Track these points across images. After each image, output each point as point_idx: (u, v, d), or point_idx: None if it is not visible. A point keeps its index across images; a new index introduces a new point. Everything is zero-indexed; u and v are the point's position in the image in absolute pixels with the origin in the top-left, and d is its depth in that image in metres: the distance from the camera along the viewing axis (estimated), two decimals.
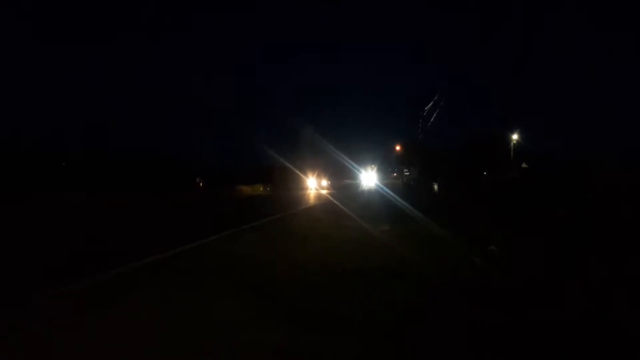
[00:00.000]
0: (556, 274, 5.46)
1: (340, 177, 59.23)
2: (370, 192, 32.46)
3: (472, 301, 4.29)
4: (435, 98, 18.36)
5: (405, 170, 42.21)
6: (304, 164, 37.78)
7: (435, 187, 23.48)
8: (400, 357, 2.95)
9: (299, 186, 34.42)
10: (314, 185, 33.72)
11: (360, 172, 55.02)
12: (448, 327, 3.55)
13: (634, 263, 5.82)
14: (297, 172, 35.61)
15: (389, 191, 28.71)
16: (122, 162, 31.38)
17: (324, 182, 35.15)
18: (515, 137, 30.56)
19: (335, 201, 20.40)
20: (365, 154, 62.27)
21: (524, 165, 31.67)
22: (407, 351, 3.03)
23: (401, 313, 3.84)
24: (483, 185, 24.15)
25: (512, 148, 30.62)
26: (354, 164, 50.97)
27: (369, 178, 53.34)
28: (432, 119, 20.40)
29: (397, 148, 38.95)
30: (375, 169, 62.88)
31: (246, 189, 28.11)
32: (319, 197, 25.68)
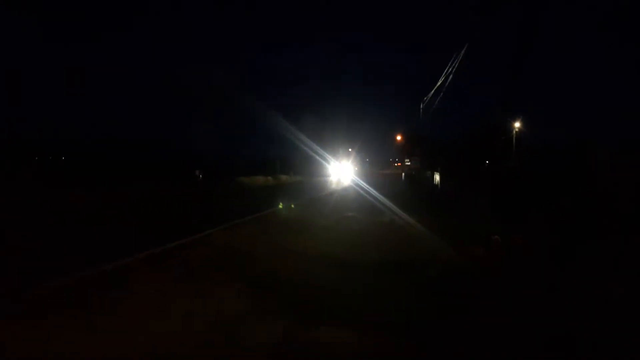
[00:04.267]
0: (558, 266, 5.61)
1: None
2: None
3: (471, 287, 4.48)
4: (437, 85, 18.17)
5: (406, 160, 41.92)
6: None
7: (437, 177, 23.52)
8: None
9: None
10: None
11: (329, 164, 40.12)
12: (450, 306, 3.77)
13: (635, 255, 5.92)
14: None
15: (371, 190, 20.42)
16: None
17: None
18: (517, 125, 30.46)
19: None
20: (344, 140, 47.37)
21: (526, 154, 31.57)
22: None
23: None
24: (484, 175, 24.15)
25: (513, 137, 30.55)
26: (316, 147, 36.17)
27: (342, 171, 39.29)
28: (433, 107, 20.28)
29: (398, 138, 38.66)
30: (353, 156, 47.34)
31: None
32: None
